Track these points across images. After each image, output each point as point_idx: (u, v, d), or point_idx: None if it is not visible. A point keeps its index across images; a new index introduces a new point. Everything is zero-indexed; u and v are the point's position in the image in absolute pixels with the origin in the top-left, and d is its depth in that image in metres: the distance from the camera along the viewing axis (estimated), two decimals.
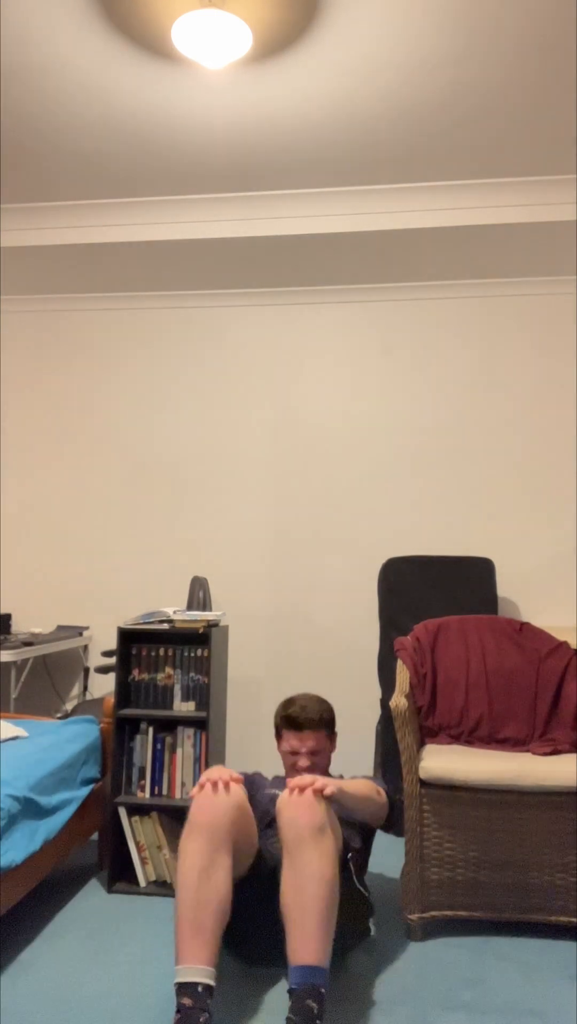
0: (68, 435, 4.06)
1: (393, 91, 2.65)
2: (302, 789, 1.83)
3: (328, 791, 1.83)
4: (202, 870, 1.72)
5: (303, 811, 1.78)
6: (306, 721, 2.30)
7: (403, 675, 2.53)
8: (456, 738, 2.57)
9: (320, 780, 1.86)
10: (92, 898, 2.44)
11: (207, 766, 2.56)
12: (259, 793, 2.30)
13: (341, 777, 2.36)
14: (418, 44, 2.44)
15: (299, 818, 1.77)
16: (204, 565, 3.90)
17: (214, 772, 1.92)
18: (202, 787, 1.88)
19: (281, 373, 3.95)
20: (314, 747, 2.30)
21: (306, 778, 1.86)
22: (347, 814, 2.13)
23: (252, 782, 2.37)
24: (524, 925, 2.27)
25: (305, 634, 3.79)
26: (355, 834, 2.20)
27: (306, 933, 1.65)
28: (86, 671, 3.88)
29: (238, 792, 1.88)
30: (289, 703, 2.36)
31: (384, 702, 3.37)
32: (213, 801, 1.82)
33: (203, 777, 1.91)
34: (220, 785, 1.87)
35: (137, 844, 2.52)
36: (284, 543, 3.86)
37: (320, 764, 2.32)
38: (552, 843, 2.18)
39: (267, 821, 2.16)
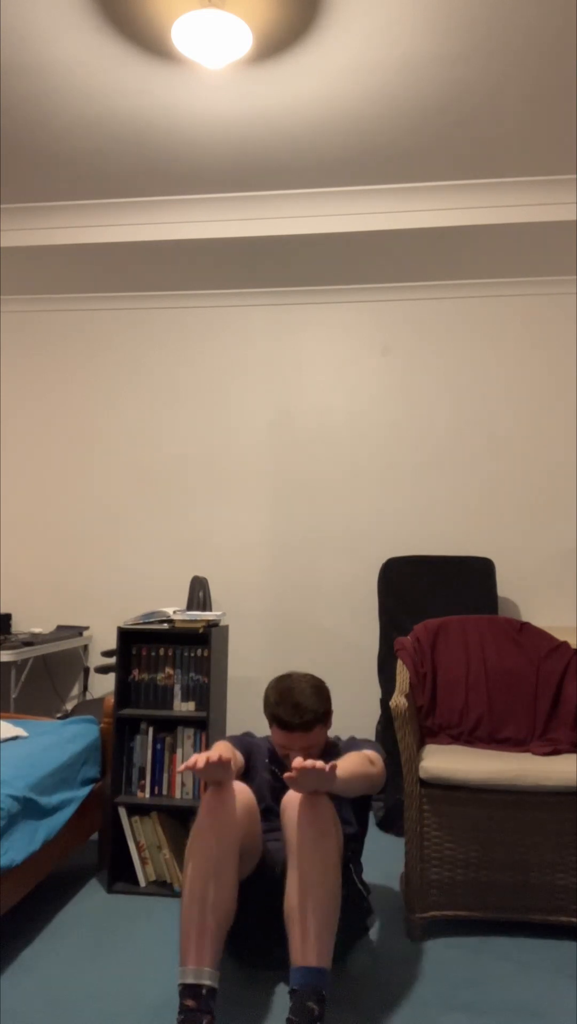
0: (68, 435, 4.06)
1: (393, 91, 2.65)
2: (304, 770, 1.75)
3: (337, 773, 1.76)
4: (209, 872, 1.72)
5: (306, 812, 1.78)
6: (298, 725, 2.13)
7: (403, 675, 2.53)
8: (456, 738, 2.57)
9: (319, 763, 1.77)
10: (92, 898, 2.44)
11: None
12: (255, 773, 2.22)
13: (337, 744, 2.28)
14: (418, 44, 2.44)
15: (303, 820, 1.77)
16: (204, 565, 3.90)
17: (214, 751, 1.84)
18: (196, 764, 1.77)
19: (281, 373, 3.95)
20: (306, 745, 2.16)
21: (307, 762, 1.76)
22: (343, 794, 2.02)
23: (249, 751, 2.26)
24: (524, 925, 2.27)
25: (305, 634, 3.79)
26: (350, 813, 2.17)
27: (308, 935, 1.65)
28: (86, 671, 3.88)
29: (246, 794, 1.88)
30: (280, 697, 2.15)
31: (384, 702, 3.37)
32: (223, 804, 1.82)
33: (201, 756, 1.81)
34: (218, 760, 1.79)
35: (137, 844, 2.52)
36: (284, 543, 3.86)
37: (313, 755, 2.21)
38: (552, 843, 2.18)
39: (263, 807, 2.11)
